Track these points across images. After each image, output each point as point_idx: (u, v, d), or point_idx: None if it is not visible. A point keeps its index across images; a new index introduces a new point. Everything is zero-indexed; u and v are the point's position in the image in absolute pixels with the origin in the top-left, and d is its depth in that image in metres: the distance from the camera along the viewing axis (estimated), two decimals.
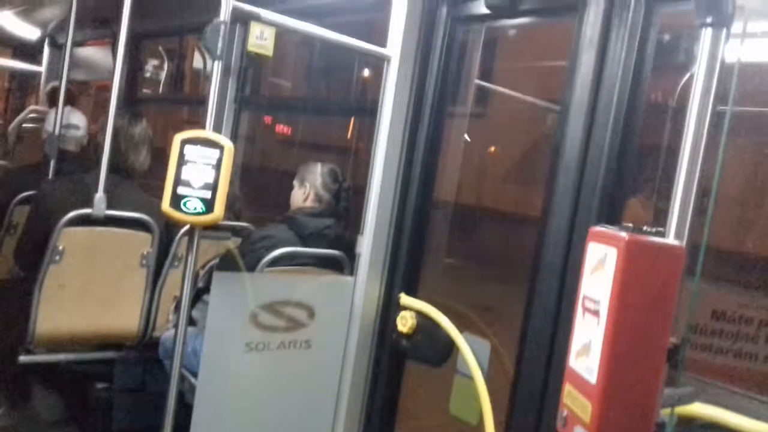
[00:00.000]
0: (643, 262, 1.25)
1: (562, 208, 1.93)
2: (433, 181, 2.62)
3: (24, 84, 6.62)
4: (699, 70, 1.31)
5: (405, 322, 2.47)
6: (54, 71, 4.99)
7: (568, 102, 1.99)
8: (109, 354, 2.97)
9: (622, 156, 1.84)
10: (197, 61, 6.00)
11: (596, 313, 1.27)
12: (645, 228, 1.28)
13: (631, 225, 1.28)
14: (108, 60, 4.81)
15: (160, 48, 6.40)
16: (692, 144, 1.31)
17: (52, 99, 4.16)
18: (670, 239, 1.35)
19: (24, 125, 4.47)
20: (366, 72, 4.89)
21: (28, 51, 5.72)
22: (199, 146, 1.99)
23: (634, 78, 1.90)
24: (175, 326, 2.14)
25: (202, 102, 2.14)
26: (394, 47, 2.52)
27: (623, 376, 1.24)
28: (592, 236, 1.30)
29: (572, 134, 1.95)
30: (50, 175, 3.21)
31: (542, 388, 1.96)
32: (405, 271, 2.58)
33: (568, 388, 1.33)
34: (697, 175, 1.31)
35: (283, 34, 2.29)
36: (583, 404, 1.28)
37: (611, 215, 1.80)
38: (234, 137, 3.65)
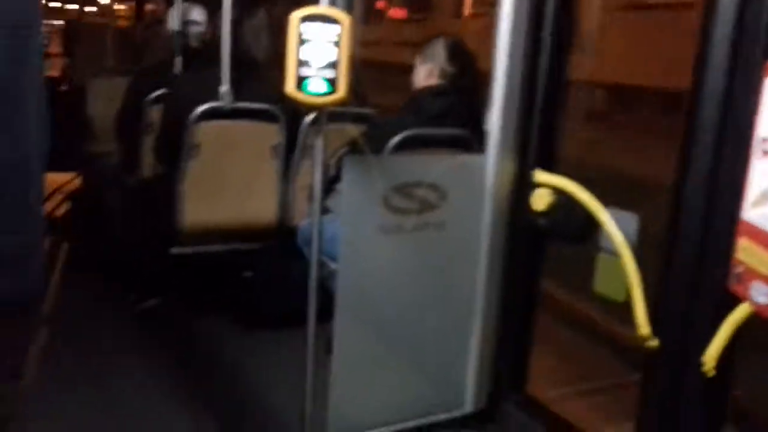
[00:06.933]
0: None
1: (719, 50, 1.70)
2: (565, 48, 2.42)
3: None
4: None
5: (541, 200, 2.35)
6: None
7: None
8: (251, 245, 3.09)
9: None
10: None
11: None
12: None
13: None
14: None
15: None
16: None
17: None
18: None
19: (148, 28, 4.58)
20: None
21: None
22: (317, 23, 1.90)
23: None
24: (311, 215, 2.16)
25: None
26: None
27: None
28: None
29: None
30: (177, 72, 3.27)
31: (700, 252, 1.78)
32: (538, 146, 2.42)
33: (742, 242, 1.19)
34: None
35: None
36: (763, 257, 1.14)
37: None
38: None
